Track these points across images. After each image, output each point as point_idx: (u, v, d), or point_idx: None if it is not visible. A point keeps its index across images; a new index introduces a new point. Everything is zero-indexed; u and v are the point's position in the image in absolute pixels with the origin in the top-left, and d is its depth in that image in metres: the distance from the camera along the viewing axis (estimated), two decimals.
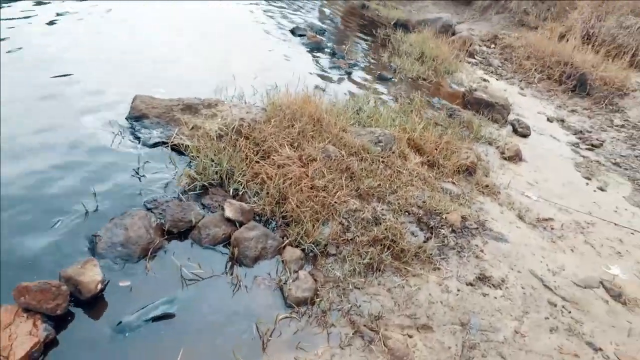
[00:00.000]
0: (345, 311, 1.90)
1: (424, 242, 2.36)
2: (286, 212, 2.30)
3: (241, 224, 2.18)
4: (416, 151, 3.25)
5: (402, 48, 6.32)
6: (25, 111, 2.71)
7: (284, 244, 2.16)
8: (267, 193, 2.36)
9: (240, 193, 2.40)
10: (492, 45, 7.48)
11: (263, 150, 2.66)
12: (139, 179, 2.40)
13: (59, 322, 1.64)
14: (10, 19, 3.95)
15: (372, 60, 5.77)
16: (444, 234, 2.44)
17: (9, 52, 3.37)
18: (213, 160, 2.46)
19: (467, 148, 3.40)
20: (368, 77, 5.07)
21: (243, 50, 4.84)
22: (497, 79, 6.14)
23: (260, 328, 1.76)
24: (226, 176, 2.44)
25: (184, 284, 1.89)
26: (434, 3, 10.70)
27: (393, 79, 5.09)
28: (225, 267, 2.01)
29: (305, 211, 2.28)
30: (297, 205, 2.30)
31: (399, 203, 2.60)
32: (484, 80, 5.89)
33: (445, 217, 2.56)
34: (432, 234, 2.43)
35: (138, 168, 2.45)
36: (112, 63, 3.63)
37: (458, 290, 2.13)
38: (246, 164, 2.51)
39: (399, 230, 2.32)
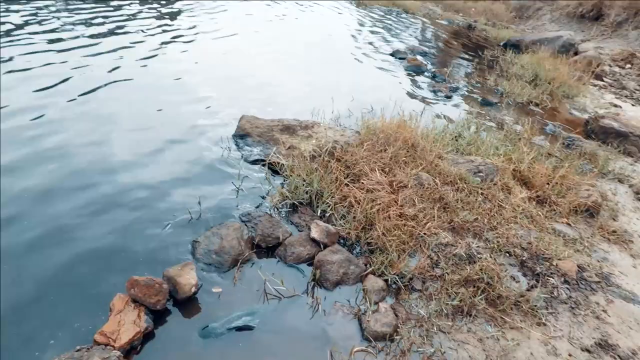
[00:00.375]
0: (428, 355, 1.74)
1: (527, 290, 2.06)
2: (371, 238, 2.23)
3: (325, 245, 2.18)
4: (523, 185, 2.91)
5: (512, 70, 5.85)
6: (146, 125, 3.14)
7: (366, 272, 2.09)
8: (354, 217, 2.33)
9: (328, 215, 2.41)
10: (628, 66, 6.44)
11: (353, 174, 2.65)
12: (238, 192, 2.58)
13: (158, 316, 1.80)
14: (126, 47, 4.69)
15: (476, 84, 5.42)
16: (553, 283, 2.10)
17: (142, 66, 4.00)
18: (304, 180, 2.53)
19: (588, 184, 2.92)
20: (470, 101, 4.77)
21: (342, 74, 4.98)
22: (632, 105, 5.24)
23: (335, 357, 1.71)
24: (315, 196, 2.49)
25: (266, 298, 1.94)
26: (552, 20, 9.75)
27: (499, 104, 4.71)
28: (307, 288, 2.02)
29: (392, 240, 2.18)
30: (383, 233, 2.22)
31: (498, 241, 2.33)
32: (615, 105, 5.08)
33: (556, 264, 2.21)
34: (538, 281, 2.11)
35: (237, 182, 2.64)
36: (225, 85, 4.05)
37: (569, 355, 1.79)
38: (336, 186, 2.53)
39: (496, 272, 2.07)
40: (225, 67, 4.51)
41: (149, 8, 6.00)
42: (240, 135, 3.03)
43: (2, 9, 4.97)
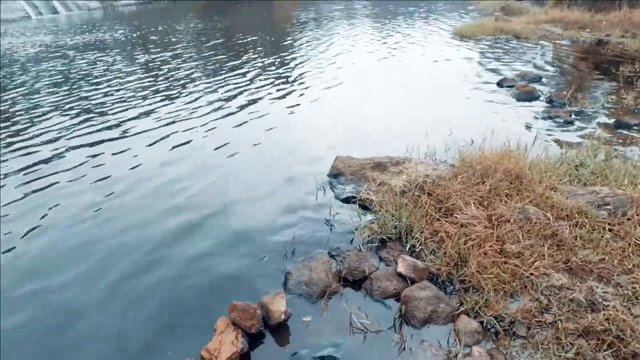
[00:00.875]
0: None
1: None
2: (465, 276, 2.07)
3: (413, 281, 2.10)
4: None
5: None
6: (254, 167, 3.57)
7: (458, 312, 1.92)
8: (445, 253, 2.20)
9: (417, 250, 2.34)
10: None
11: (445, 208, 2.53)
12: (330, 228, 2.71)
13: (252, 339, 1.96)
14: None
15: (608, 105, 4.70)
16: None
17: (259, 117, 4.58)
18: (393, 215, 2.52)
19: None
20: (599, 125, 4.13)
21: (442, 109, 4.89)
22: None
23: None
24: (405, 232, 2.44)
25: (351, 331, 1.94)
26: None
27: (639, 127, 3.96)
28: (393, 323, 1.95)
29: (488, 278, 1.99)
30: (478, 271, 2.04)
31: (634, 288, 1.91)
32: None
33: None
34: None
35: (329, 219, 2.77)
36: (327, 128, 4.37)
37: None
38: (426, 220, 2.45)
39: (629, 324, 1.68)
40: (331, 115, 4.88)
41: (267, 72, 6.96)
42: (334, 175, 3.20)
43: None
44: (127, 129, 4.44)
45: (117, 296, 2.22)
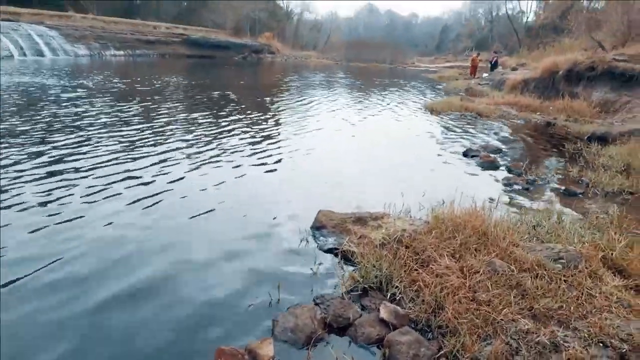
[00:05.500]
0: None
1: None
2: (442, 321, 2.23)
3: (394, 327, 2.23)
4: (616, 273, 2.66)
5: (599, 161, 5.61)
6: (237, 221, 3.68)
7: (438, 355, 2.05)
8: (423, 300, 2.37)
9: (398, 298, 2.49)
10: None
11: (422, 259, 2.75)
12: (314, 277, 2.83)
13: None
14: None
15: (557, 176, 5.29)
16: None
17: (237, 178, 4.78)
18: (374, 266, 2.70)
19: None
20: (550, 193, 4.65)
21: (414, 172, 5.32)
22: None
23: None
24: (385, 281, 2.61)
25: None
26: None
27: (584, 194, 4.49)
28: None
29: (464, 323, 2.16)
30: (454, 316, 2.21)
31: (589, 331, 2.13)
32: None
33: None
34: None
35: (313, 269, 2.90)
36: (308, 186, 4.63)
37: None
38: (404, 270, 2.64)
39: None
40: (308, 170, 5.18)
41: (248, 131, 7.34)
42: (317, 227, 3.39)
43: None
44: (94, 184, 4.38)
45: (97, 338, 2.19)
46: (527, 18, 42.45)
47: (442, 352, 2.06)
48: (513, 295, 2.40)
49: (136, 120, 7.41)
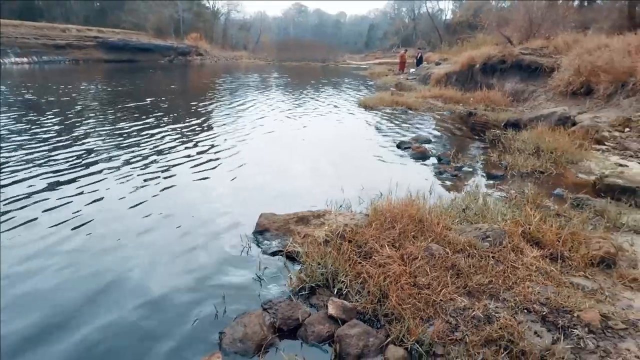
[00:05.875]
0: None
1: (552, 343, 2.02)
2: (387, 309, 2.31)
3: (343, 321, 2.27)
4: (534, 245, 2.97)
5: (514, 146, 6.20)
6: (176, 230, 3.51)
7: (386, 342, 2.13)
8: (368, 292, 2.44)
9: (344, 292, 2.54)
10: (626, 130, 6.69)
11: (365, 252, 2.83)
12: (260, 282, 2.78)
13: None
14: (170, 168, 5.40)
15: (480, 162, 5.75)
16: (578, 334, 2.05)
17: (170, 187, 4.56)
18: (319, 263, 2.72)
19: (599, 237, 2.94)
20: (475, 177, 5.04)
21: (352, 167, 5.46)
22: (638, 163, 5.33)
23: None
24: (331, 277, 2.65)
25: None
26: (547, 99, 10.43)
27: (504, 176, 4.94)
28: None
29: (407, 308, 2.26)
30: (398, 303, 2.30)
31: (515, 300, 2.35)
32: (621, 165, 5.18)
33: (578, 315, 2.17)
34: (561, 334, 2.07)
35: (259, 274, 2.85)
36: (246, 190, 4.53)
37: None
38: (349, 264, 2.70)
39: (515, 329, 2.06)
40: (246, 173, 5.08)
41: (180, 138, 7.01)
42: (260, 232, 3.34)
43: None
44: (7, 209, 3.99)
45: None
46: (446, 16, 45.76)
47: (390, 339, 2.14)
48: (449, 276, 2.56)
49: (53, 135, 6.70)
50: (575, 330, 2.09)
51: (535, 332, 2.11)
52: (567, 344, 2.00)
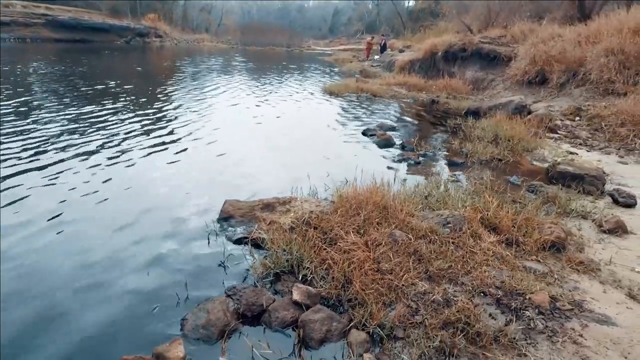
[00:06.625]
0: None
1: (505, 325, 2.13)
2: (351, 294, 2.34)
3: (308, 307, 2.27)
4: (491, 230, 3.11)
5: (474, 134, 6.41)
6: (136, 216, 3.37)
7: (349, 326, 2.16)
8: (333, 277, 2.46)
9: (309, 278, 2.54)
10: (577, 118, 7.11)
11: (330, 238, 2.84)
12: (224, 269, 2.73)
13: None
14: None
15: (442, 149, 5.91)
16: (529, 316, 2.18)
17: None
18: (285, 250, 2.71)
19: (551, 223, 3.13)
20: (438, 164, 5.18)
21: (317, 154, 5.44)
22: (587, 151, 5.70)
23: None
24: (296, 263, 2.64)
25: None
26: (505, 88, 10.84)
27: (465, 164, 5.11)
28: (293, 349, 2.07)
29: (370, 293, 2.30)
30: (361, 288, 2.34)
31: (473, 284, 2.45)
32: (571, 153, 5.52)
33: (530, 298, 2.31)
34: (514, 316, 2.19)
35: (223, 261, 2.80)
36: (210, 176, 4.41)
37: None
38: (314, 251, 2.70)
39: (472, 311, 2.16)
40: (211, 160, 4.93)
41: (139, 123, 6.67)
42: (225, 218, 3.26)
43: None
44: None
45: None
46: (409, 3, 45.96)
47: (352, 323, 2.18)
48: (412, 261, 2.63)
49: (5, 120, 6.15)
50: (526, 311, 2.22)
51: (490, 315, 2.22)
52: (519, 325, 2.13)
